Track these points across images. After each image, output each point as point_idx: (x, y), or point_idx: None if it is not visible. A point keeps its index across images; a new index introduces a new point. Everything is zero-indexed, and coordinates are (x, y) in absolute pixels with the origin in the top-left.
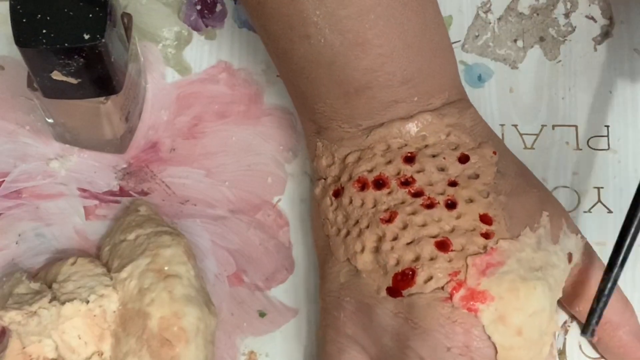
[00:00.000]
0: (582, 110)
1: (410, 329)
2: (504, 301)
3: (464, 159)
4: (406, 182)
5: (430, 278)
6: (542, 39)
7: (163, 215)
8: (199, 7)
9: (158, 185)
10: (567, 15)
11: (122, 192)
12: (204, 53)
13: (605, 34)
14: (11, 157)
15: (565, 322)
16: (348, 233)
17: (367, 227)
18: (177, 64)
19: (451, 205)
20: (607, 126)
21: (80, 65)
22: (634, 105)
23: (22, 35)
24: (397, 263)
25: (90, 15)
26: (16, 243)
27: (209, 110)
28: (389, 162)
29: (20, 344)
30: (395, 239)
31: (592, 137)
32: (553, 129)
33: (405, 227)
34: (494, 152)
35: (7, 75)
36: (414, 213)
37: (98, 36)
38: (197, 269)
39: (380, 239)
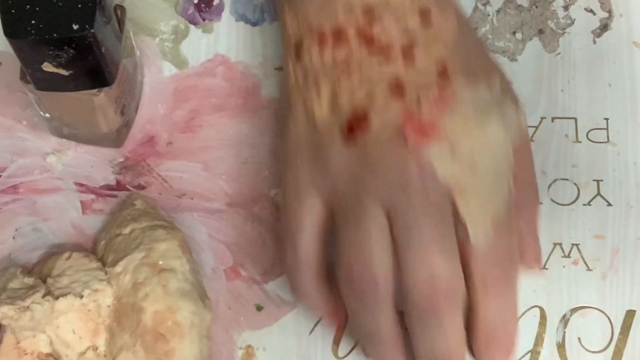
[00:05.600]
0: (582, 103)
1: (365, 171)
2: (457, 134)
3: (425, 21)
4: (365, 37)
5: (384, 121)
6: (541, 32)
7: (160, 209)
8: (196, 1)
9: (155, 179)
10: (566, 8)
11: (119, 186)
12: (201, 46)
13: (604, 26)
14: (8, 152)
15: (564, 315)
16: (306, 85)
17: (324, 75)
18: (174, 57)
19: (408, 56)
20: (607, 119)
21: (70, 56)
22: (633, 98)
23: (11, 26)
24: (353, 109)
25: (80, 6)
26: (13, 238)
27: (206, 104)
28: (349, 16)
29: (14, 339)
30: (350, 87)
31: (591, 130)
32: (552, 121)
33: (360, 74)
34: (457, 19)
35: (4, 71)
36: (370, 61)
37: (87, 26)
38: (193, 263)
39: (336, 86)
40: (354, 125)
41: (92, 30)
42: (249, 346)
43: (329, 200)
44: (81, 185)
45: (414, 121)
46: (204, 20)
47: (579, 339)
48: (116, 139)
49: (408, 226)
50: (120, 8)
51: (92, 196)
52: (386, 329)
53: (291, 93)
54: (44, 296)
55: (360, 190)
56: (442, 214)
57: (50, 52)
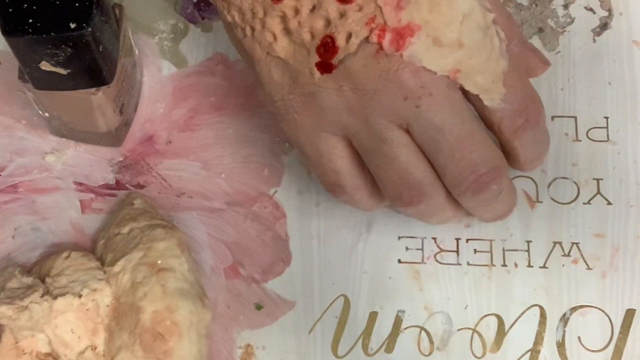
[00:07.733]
0: (581, 102)
1: (361, 97)
2: (431, 24)
3: None
4: None
5: (349, 35)
6: (541, 30)
7: (159, 208)
8: (195, 0)
9: (154, 178)
10: (565, 7)
11: (118, 185)
12: (200, 45)
13: (604, 25)
14: (7, 151)
15: (564, 314)
16: (253, 30)
17: (265, 14)
18: (174, 56)
19: None
20: (606, 117)
21: (68, 54)
22: (632, 97)
23: (9, 25)
24: (313, 36)
25: (77, 4)
26: (12, 237)
27: (205, 103)
28: None
29: (13, 339)
30: (297, 12)
31: (591, 129)
32: (552, 119)
33: None
34: None
35: (4, 70)
36: None
37: (84, 25)
38: (192, 262)
39: (284, 19)
40: (324, 51)
41: (90, 29)
42: (248, 345)
43: (344, 136)
44: (80, 184)
45: (383, 31)
46: (203, 19)
47: (579, 338)
48: (115, 138)
49: (429, 132)
50: (119, 7)
51: (91, 195)
52: (449, 209)
53: (244, 42)
54: (42, 296)
55: (366, 119)
56: (454, 103)
57: (48, 51)
